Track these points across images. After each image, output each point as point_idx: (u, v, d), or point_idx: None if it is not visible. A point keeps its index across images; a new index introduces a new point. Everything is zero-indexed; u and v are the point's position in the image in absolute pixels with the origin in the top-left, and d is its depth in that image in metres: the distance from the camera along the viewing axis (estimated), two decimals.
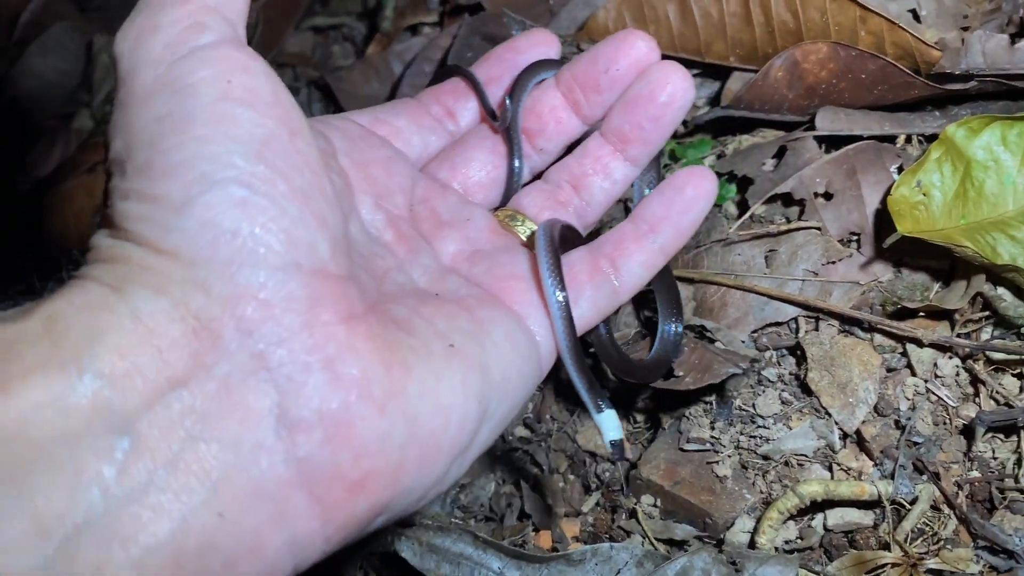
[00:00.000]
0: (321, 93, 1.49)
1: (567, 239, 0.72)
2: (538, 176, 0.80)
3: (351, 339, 0.50)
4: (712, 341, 0.94)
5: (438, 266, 0.67)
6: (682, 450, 0.92)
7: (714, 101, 1.12)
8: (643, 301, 1.00)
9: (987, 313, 0.88)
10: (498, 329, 0.60)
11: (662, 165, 0.90)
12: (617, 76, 0.73)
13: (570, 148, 0.80)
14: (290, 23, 1.68)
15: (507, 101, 0.77)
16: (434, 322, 0.57)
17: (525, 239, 0.73)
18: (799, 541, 0.85)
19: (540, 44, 0.80)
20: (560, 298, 0.64)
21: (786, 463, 0.89)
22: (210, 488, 0.45)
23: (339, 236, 0.53)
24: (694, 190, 0.70)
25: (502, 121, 0.78)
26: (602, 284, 0.69)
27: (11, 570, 0.41)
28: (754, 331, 0.94)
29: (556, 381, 1.04)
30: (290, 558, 0.48)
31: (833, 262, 0.93)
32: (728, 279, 0.96)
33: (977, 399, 0.86)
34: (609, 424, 0.71)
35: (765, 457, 0.89)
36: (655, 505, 0.91)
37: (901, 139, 0.98)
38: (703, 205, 0.71)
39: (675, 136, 1.17)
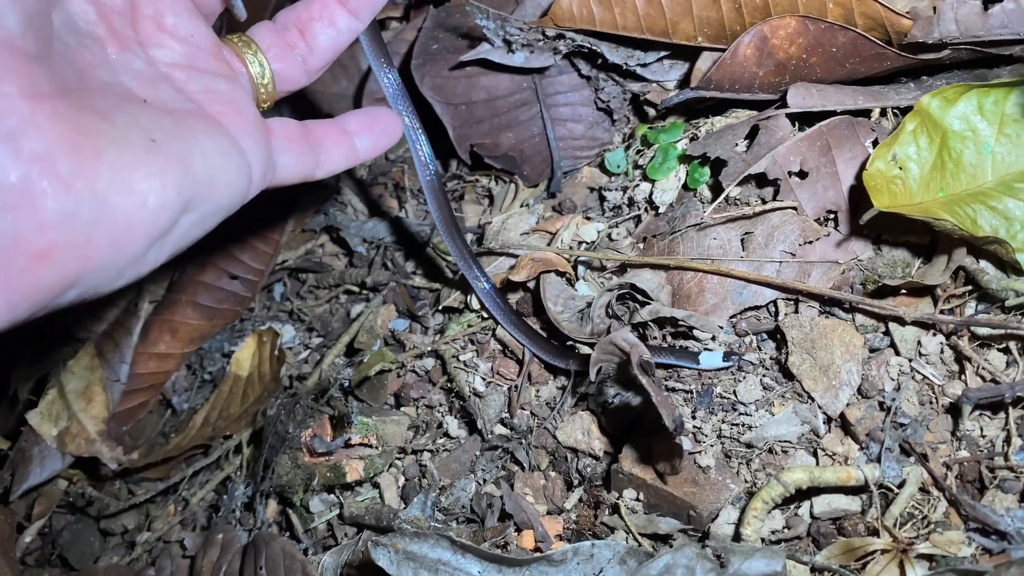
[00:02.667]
0: None
1: None
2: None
3: (34, 116, 0.49)
4: (688, 335, 0.91)
5: (152, 72, 0.65)
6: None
7: (684, 83, 1.09)
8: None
9: (970, 287, 0.85)
10: (207, 138, 0.61)
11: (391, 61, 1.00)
12: None
13: None
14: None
15: None
16: (138, 118, 0.57)
17: (254, 73, 0.76)
18: (786, 531, 0.82)
19: None
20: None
21: (770, 450, 0.86)
22: None
23: (34, 15, 0.52)
24: (386, 120, 0.85)
25: None
26: (308, 151, 0.76)
27: None
28: (732, 316, 0.91)
29: (529, 375, 1.02)
30: None
31: (810, 242, 0.90)
32: (704, 264, 0.93)
33: (963, 376, 0.83)
34: None
35: (748, 445, 0.86)
36: (638, 499, 0.89)
37: (876, 112, 0.95)
38: (395, 137, 0.85)
39: (647, 120, 1.14)
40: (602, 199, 1.13)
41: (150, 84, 0.64)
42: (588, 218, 1.12)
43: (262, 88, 0.76)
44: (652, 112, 1.13)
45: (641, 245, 1.03)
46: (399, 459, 1.05)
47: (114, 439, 1.23)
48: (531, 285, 1.06)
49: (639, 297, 0.96)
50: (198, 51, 0.69)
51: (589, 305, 0.98)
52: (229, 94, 0.68)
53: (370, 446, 1.03)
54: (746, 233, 0.94)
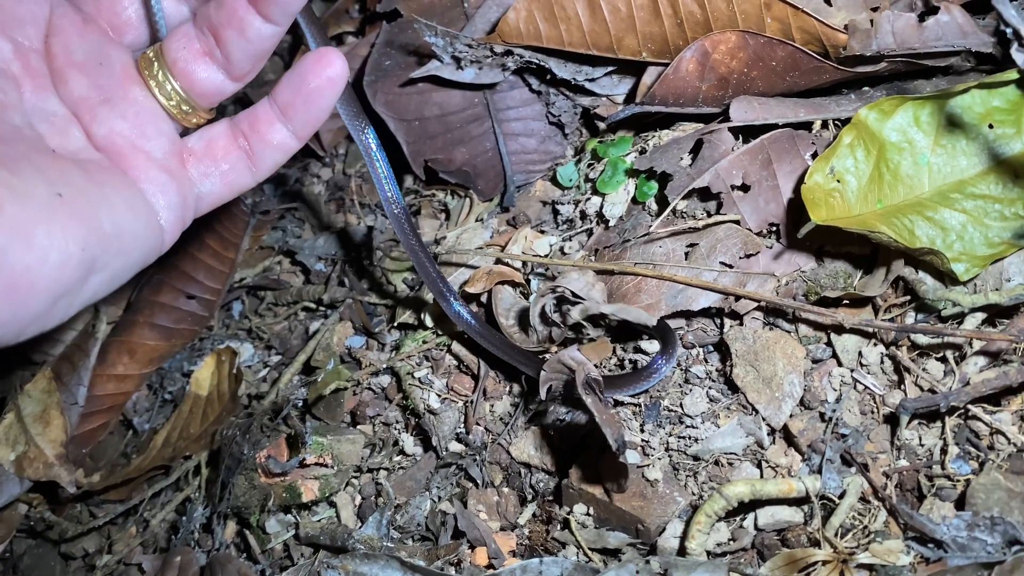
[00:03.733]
0: None
1: None
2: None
3: None
4: (638, 347, 0.92)
5: (63, 115, 0.64)
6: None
7: (632, 97, 1.10)
8: None
9: (909, 298, 0.87)
10: (115, 191, 0.60)
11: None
12: None
13: None
14: None
15: None
16: (45, 170, 0.56)
17: (159, 95, 0.69)
18: (732, 543, 0.83)
19: None
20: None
21: (716, 463, 0.87)
22: None
23: None
24: (315, 79, 0.68)
25: None
26: (238, 162, 0.70)
27: None
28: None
29: (484, 391, 1.02)
30: None
31: (751, 255, 0.91)
32: (645, 269, 0.94)
33: (903, 386, 0.84)
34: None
35: (695, 458, 0.87)
36: (588, 514, 0.89)
37: (817, 124, 0.97)
38: (331, 93, 0.68)
39: (597, 135, 1.15)
40: (555, 213, 1.14)
41: (60, 130, 0.63)
42: (542, 231, 1.12)
43: (176, 111, 0.70)
44: (601, 126, 1.13)
45: (593, 258, 1.04)
46: (355, 478, 1.05)
47: (73, 462, 1.23)
48: (484, 299, 1.07)
49: (572, 299, 0.96)
50: (110, 82, 0.67)
51: (526, 314, 0.98)
52: (138, 132, 0.66)
53: (325, 466, 1.03)
54: (691, 245, 0.95)
